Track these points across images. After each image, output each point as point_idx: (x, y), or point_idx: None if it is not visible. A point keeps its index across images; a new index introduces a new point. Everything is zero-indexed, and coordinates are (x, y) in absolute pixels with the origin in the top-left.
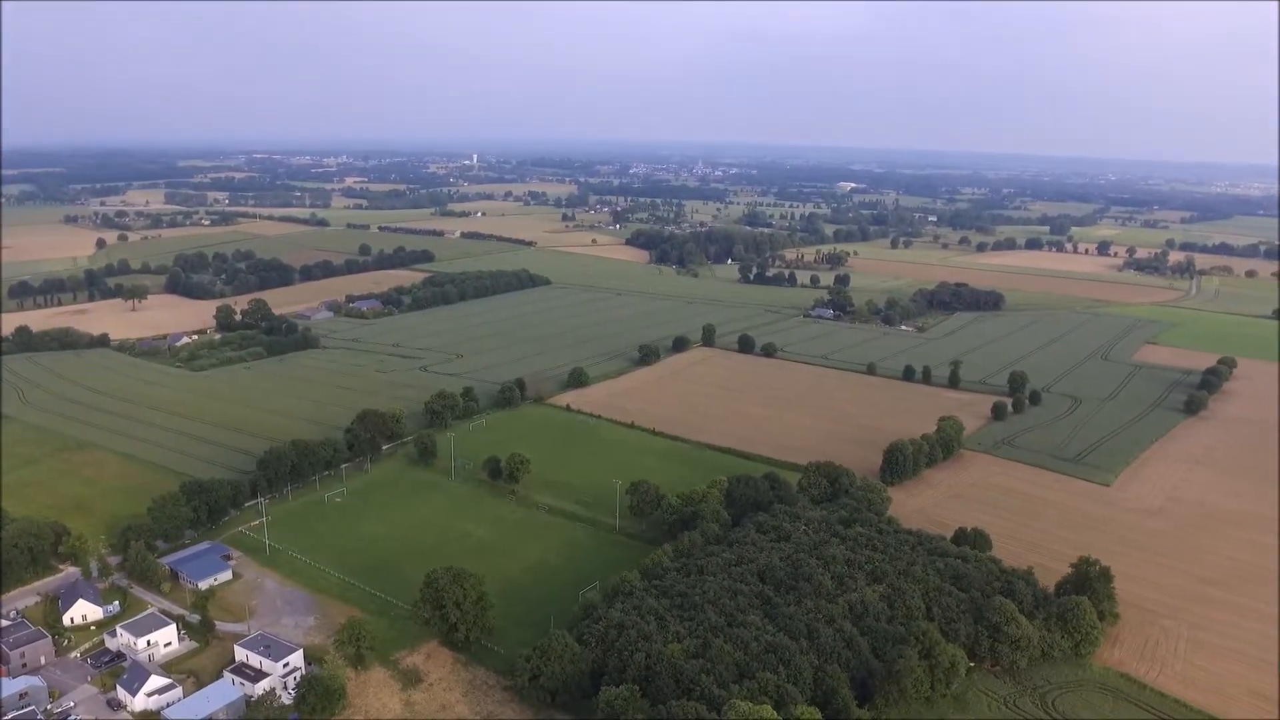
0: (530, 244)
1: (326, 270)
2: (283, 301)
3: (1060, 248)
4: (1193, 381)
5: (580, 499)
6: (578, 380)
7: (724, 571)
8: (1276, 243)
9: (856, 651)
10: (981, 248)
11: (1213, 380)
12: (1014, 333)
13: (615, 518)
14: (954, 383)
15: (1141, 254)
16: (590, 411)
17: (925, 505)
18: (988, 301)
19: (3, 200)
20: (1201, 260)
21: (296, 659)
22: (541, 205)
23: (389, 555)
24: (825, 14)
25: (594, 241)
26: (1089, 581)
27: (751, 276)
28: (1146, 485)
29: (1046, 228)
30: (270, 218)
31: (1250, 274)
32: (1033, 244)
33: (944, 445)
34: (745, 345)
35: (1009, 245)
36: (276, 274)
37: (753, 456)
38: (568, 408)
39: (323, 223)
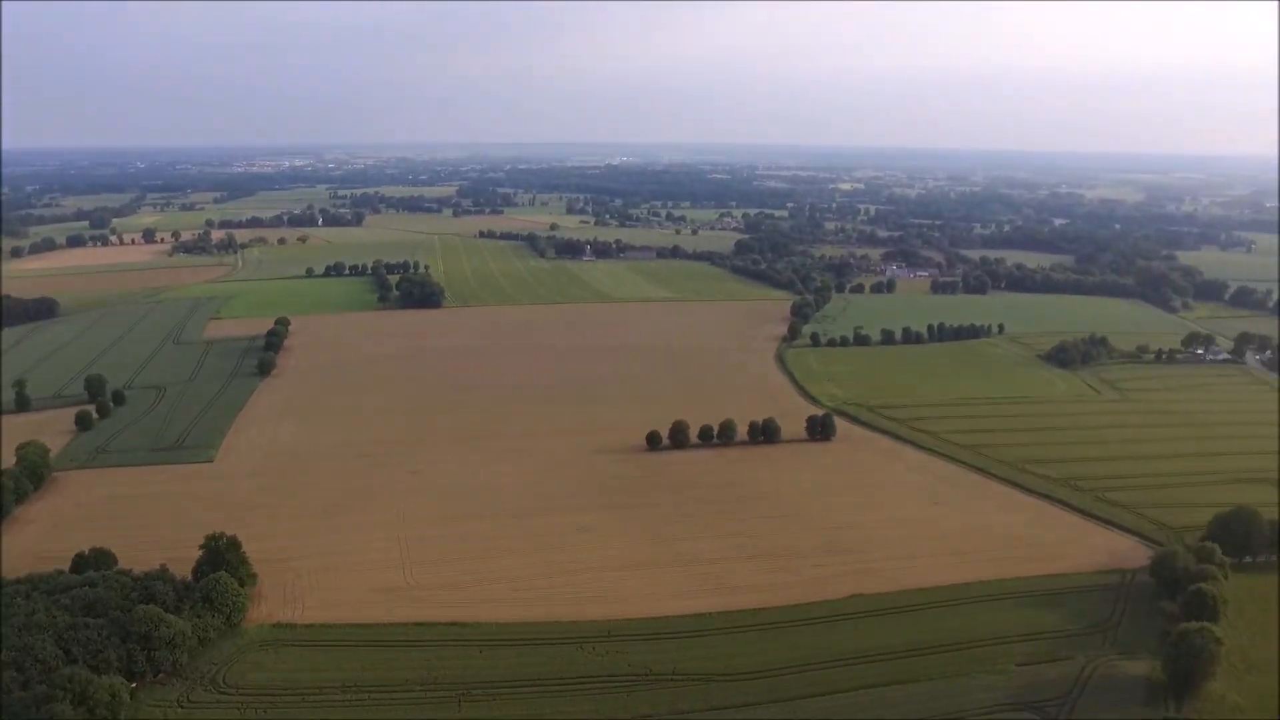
0: None
1: None
2: None
3: (105, 241)
4: (259, 346)
5: None
6: None
7: None
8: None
9: None
10: (18, 253)
11: (275, 340)
12: (79, 337)
13: None
14: (23, 405)
15: (186, 237)
16: None
17: (30, 546)
18: (41, 310)
19: None
20: (240, 235)
21: None
22: None
23: None
24: None
25: None
26: (221, 555)
27: None
28: (245, 450)
29: (86, 222)
30: None
31: (282, 241)
32: (75, 241)
33: (31, 475)
34: None
35: (49, 246)
36: None
37: None
38: None
39: None
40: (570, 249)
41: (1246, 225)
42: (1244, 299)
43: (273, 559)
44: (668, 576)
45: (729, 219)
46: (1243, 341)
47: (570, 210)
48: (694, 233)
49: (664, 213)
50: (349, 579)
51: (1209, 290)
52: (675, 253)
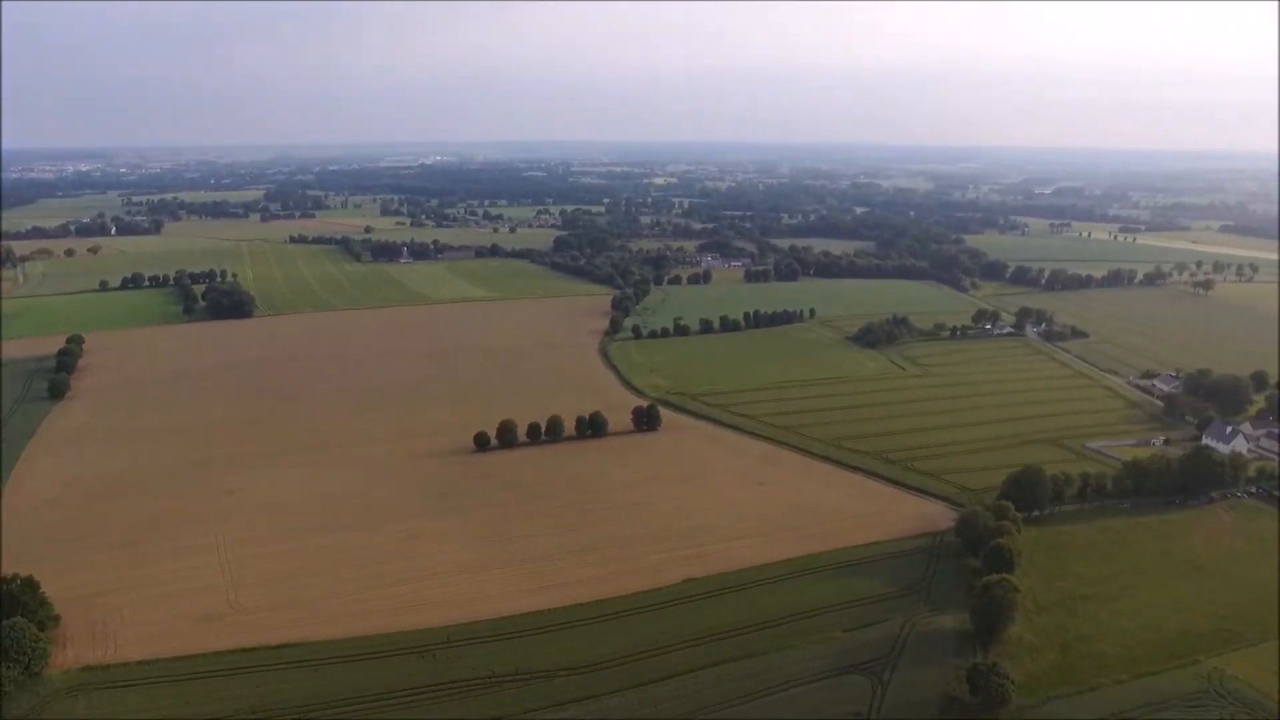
0: None
1: None
2: None
3: None
4: (50, 367)
5: None
6: None
7: None
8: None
9: None
10: None
11: (68, 360)
12: None
13: None
14: None
15: None
16: None
17: None
18: None
19: None
20: (19, 247)
21: None
22: None
23: None
24: None
25: None
26: (15, 598)
27: None
28: (40, 479)
29: None
30: None
31: (70, 253)
32: None
33: None
34: None
35: None
36: None
37: None
38: None
39: None
40: (387, 251)
41: (1020, 210)
42: (1021, 277)
43: (78, 597)
44: (504, 577)
45: (546, 216)
46: (1023, 316)
47: (385, 212)
48: (512, 231)
49: (481, 211)
50: (166, 610)
51: (992, 270)
52: (494, 251)
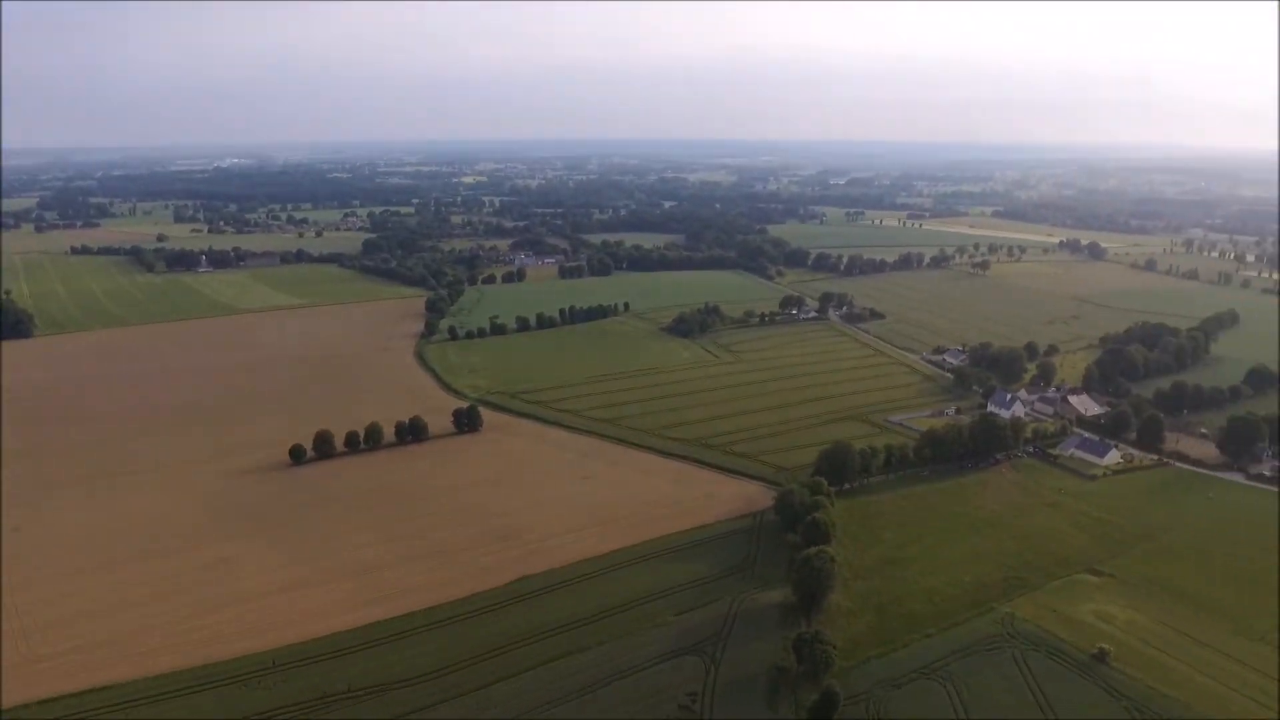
0: None
1: None
2: None
3: None
4: None
5: None
6: None
7: None
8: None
9: None
10: None
11: None
12: None
13: None
14: None
15: None
16: None
17: None
18: None
19: None
20: None
21: None
22: None
23: None
24: None
25: None
26: None
27: None
28: None
29: None
30: None
31: None
32: None
33: None
34: None
35: None
36: None
37: None
38: None
39: None
40: (183, 260)
41: (818, 200)
42: (822, 264)
43: None
44: (330, 593)
45: (354, 218)
46: (825, 300)
47: (179, 218)
48: (318, 235)
49: (284, 215)
50: None
51: (795, 258)
52: (300, 257)
